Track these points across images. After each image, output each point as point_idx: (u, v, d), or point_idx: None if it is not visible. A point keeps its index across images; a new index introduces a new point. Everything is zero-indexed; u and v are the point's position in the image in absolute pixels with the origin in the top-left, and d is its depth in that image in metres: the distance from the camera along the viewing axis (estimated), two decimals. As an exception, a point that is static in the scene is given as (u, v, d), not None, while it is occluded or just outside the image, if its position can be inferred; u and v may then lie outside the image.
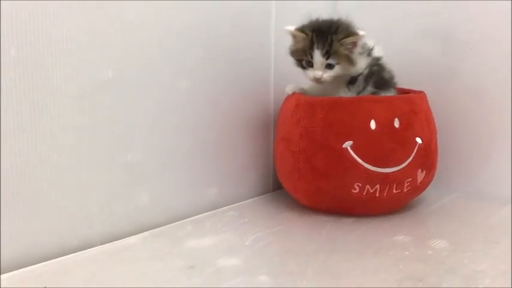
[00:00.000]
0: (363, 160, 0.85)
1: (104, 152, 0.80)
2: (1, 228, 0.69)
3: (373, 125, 0.85)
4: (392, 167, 0.86)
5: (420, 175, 0.89)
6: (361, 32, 0.88)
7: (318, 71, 0.89)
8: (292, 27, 0.91)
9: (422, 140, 0.89)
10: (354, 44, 0.88)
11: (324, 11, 0.93)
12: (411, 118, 0.88)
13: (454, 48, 1.03)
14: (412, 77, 1.01)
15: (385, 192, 0.86)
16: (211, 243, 0.79)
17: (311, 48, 0.88)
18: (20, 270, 0.69)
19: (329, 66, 0.88)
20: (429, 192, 0.97)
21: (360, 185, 0.86)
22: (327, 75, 0.88)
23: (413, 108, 0.89)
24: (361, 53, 0.90)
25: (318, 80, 0.90)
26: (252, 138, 1.03)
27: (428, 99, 0.95)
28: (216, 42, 0.94)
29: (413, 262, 0.72)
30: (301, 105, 0.90)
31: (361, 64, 0.90)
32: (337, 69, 0.88)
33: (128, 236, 0.81)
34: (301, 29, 0.90)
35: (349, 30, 0.89)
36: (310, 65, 0.90)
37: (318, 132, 0.87)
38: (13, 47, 0.69)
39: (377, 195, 0.86)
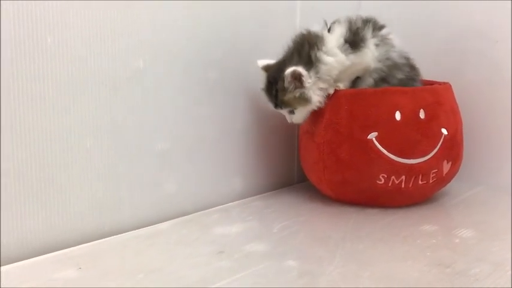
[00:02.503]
0: (388, 151, 0.86)
1: (134, 139, 0.82)
2: (38, 212, 0.72)
3: (398, 116, 0.85)
4: (418, 158, 0.86)
5: (446, 166, 0.89)
6: (287, 71, 0.83)
7: (286, 116, 0.90)
8: (262, 63, 0.90)
9: (448, 131, 0.89)
10: (297, 80, 0.83)
11: (348, 12, 0.93)
12: (436, 109, 0.88)
13: (480, 42, 1.03)
14: (438, 69, 1.01)
15: (411, 183, 0.87)
16: (239, 230, 0.81)
17: (267, 96, 0.90)
18: (55, 252, 0.71)
19: (290, 112, 0.88)
20: (454, 184, 0.97)
21: (385, 176, 0.86)
22: (295, 118, 0.89)
23: (438, 99, 0.89)
24: (376, 45, 0.87)
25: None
26: (277, 130, 1.04)
27: (454, 91, 0.95)
28: (243, 35, 0.96)
29: (440, 250, 0.72)
30: (328, 95, 0.89)
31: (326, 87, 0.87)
32: (299, 113, 0.88)
33: (157, 223, 0.83)
34: (266, 69, 0.90)
35: (284, 72, 0.84)
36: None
37: (342, 123, 0.87)
38: (49, 36, 0.71)
39: (402, 186, 0.87)
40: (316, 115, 0.90)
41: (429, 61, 0.96)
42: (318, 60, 0.85)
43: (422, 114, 0.87)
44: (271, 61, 0.89)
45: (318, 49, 0.85)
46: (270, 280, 0.63)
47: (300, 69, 0.83)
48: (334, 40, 0.86)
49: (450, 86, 0.94)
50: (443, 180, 0.91)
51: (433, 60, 1.04)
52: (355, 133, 0.86)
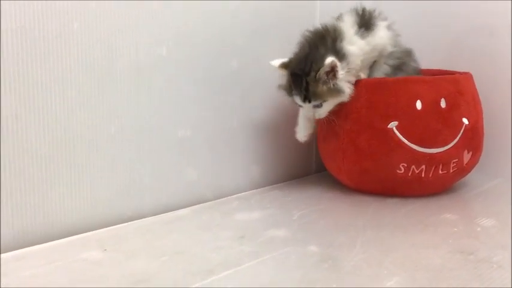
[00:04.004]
0: (408, 140, 0.86)
1: (156, 126, 0.83)
2: (64, 196, 0.73)
3: (419, 105, 0.85)
4: (439, 147, 0.86)
5: (466, 156, 0.89)
6: (327, 60, 0.81)
7: (307, 113, 0.87)
8: (277, 62, 0.87)
9: (468, 121, 0.88)
10: (332, 72, 0.82)
11: (367, 4, 0.92)
12: (457, 99, 0.88)
13: (503, 34, 1.02)
14: (459, 60, 1.00)
15: (431, 173, 0.87)
16: (259, 216, 0.81)
17: (291, 93, 0.86)
18: (81, 235, 0.73)
19: (316, 106, 0.85)
20: (474, 176, 0.96)
21: (406, 165, 0.86)
22: (319, 113, 0.86)
23: (459, 88, 0.89)
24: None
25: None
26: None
27: (476, 82, 0.94)
28: (264, 26, 0.96)
29: (462, 238, 0.72)
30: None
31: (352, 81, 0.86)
32: (327, 106, 0.85)
33: (177, 209, 0.84)
34: (285, 65, 0.86)
35: (320, 61, 0.82)
36: (300, 105, 0.87)
37: (362, 113, 0.87)
38: (76, 22, 0.72)
39: (422, 175, 0.87)
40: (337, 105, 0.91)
41: (448, 51, 0.96)
42: (345, 51, 0.84)
43: (443, 104, 0.86)
44: (284, 59, 0.87)
45: (342, 40, 0.85)
46: (293, 264, 0.64)
47: (336, 60, 0.82)
48: (350, 28, 0.86)
49: (471, 75, 0.94)
50: (464, 170, 0.91)
51: (451, 50, 1.03)
52: (375, 122, 0.87)
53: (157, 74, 0.82)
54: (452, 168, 0.88)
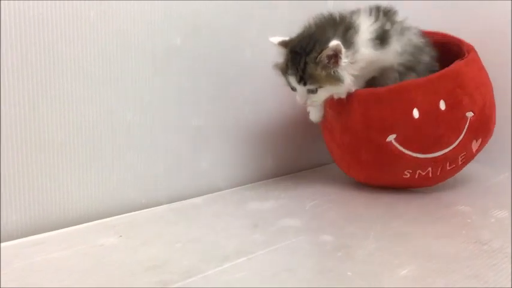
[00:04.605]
0: (409, 150, 0.81)
1: (172, 115, 0.83)
2: (80, 183, 0.74)
3: (416, 113, 0.80)
4: (443, 149, 0.82)
5: (475, 145, 0.86)
6: (332, 43, 0.75)
7: (300, 97, 0.81)
8: (277, 39, 0.81)
9: (474, 112, 0.83)
10: (335, 57, 0.76)
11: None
12: (458, 95, 0.81)
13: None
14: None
15: (439, 171, 0.84)
16: (272, 206, 0.82)
17: (286, 72, 0.80)
18: (96, 221, 0.73)
19: (311, 91, 0.79)
20: (486, 169, 0.96)
21: (411, 171, 0.84)
22: (311, 100, 0.81)
23: (459, 82, 0.82)
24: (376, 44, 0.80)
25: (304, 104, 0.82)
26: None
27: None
28: (276, 16, 0.96)
29: (476, 228, 0.72)
30: (339, 98, 0.83)
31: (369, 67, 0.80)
32: (322, 93, 0.79)
33: (191, 198, 0.85)
34: (285, 43, 0.81)
35: (324, 43, 0.76)
36: (294, 87, 0.81)
37: (358, 128, 0.83)
38: (92, 11, 0.73)
39: (430, 175, 0.84)
40: (333, 115, 0.86)
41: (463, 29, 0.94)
42: (355, 42, 0.79)
43: (442, 105, 0.80)
44: (285, 38, 0.82)
45: (355, 33, 0.79)
46: (306, 252, 0.64)
47: (341, 45, 0.76)
48: (367, 31, 0.80)
49: (474, 52, 0.87)
50: (473, 156, 0.88)
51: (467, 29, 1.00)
52: (372, 137, 0.82)
53: (172, 63, 0.82)
54: (461, 161, 0.86)
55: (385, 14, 0.83)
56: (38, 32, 0.68)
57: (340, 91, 0.80)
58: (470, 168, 0.91)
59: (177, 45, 0.82)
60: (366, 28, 0.81)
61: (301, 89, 0.79)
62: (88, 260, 0.61)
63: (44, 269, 0.58)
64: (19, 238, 0.67)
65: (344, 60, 0.77)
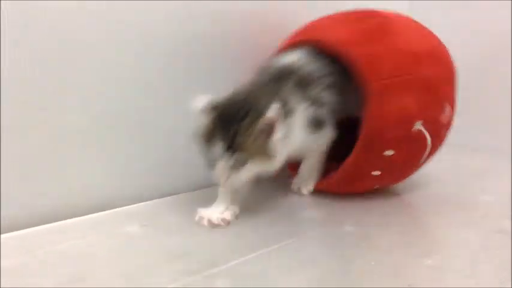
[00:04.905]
0: None
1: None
2: (101, 170, 0.75)
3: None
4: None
5: (444, 117, 0.76)
6: (270, 112, 0.63)
7: (221, 170, 0.66)
8: (202, 102, 0.67)
9: (423, 123, 0.72)
10: (270, 128, 0.65)
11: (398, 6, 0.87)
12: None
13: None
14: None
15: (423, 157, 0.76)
16: (293, 200, 0.81)
17: (210, 139, 0.66)
18: (117, 209, 0.74)
19: (236, 166, 0.66)
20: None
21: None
22: (236, 176, 0.66)
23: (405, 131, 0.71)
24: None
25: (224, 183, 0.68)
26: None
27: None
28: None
29: (500, 218, 0.71)
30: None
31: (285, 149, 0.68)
32: (249, 168, 0.66)
33: (208, 187, 0.84)
34: (212, 107, 0.67)
35: (260, 111, 0.64)
36: (214, 162, 0.67)
37: None
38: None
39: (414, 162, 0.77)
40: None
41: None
42: (295, 111, 0.69)
43: (389, 152, 0.72)
44: (210, 99, 0.67)
45: (291, 113, 0.69)
46: (330, 242, 0.65)
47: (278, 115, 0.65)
48: (302, 114, 0.71)
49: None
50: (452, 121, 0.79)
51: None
52: None
53: (193, 51, 0.82)
54: (445, 135, 0.78)
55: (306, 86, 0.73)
56: (61, 25, 0.68)
57: (269, 168, 0.68)
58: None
59: (203, 32, 0.82)
60: (301, 110, 0.71)
61: (225, 161, 0.65)
62: (113, 246, 0.62)
63: (70, 256, 0.59)
64: (44, 224, 0.68)
65: (279, 134, 0.66)
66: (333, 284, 0.54)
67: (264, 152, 0.65)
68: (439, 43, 0.79)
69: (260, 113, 0.64)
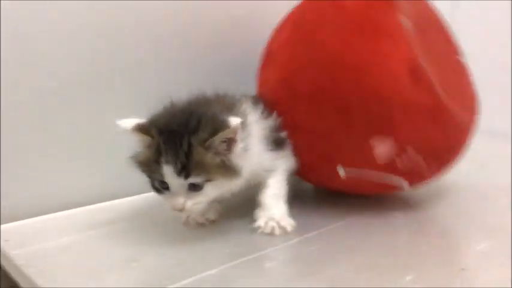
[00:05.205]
0: None
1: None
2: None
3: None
4: None
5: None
6: (233, 120, 0.54)
7: (176, 198, 0.55)
8: (130, 122, 0.56)
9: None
10: (230, 140, 0.55)
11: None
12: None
13: None
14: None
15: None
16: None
17: (156, 161, 0.55)
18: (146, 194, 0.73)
19: (194, 188, 0.55)
20: None
21: None
22: (194, 203, 0.56)
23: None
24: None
25: (182, 211, 0.57)
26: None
27: None
28: None
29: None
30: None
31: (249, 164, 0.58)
32: (211, 190, 0.56)
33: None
34: (145, 127, 0.56)
35: (219, 120, 0.55)
36: (165, 186, 0.56)
37: None
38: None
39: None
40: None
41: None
42: (248, 121, 0.60)
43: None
44: (139, 119, 0.56)
45: (245, 116, 0.60)
46: (378, 228, 0.64)
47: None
48: (258, 124, 0.62)
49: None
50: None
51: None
52: None
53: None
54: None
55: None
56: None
57: (233, 187, 0.59)
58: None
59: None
60: (253, 120, 0.62)
61: (180, 184, 0.55)
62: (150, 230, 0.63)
63: (112, 237, 0.61)
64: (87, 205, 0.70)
65: (240, 146, 0.57)
66: (384, 267, 0.54)
67: (225, 168, 0.55)
68: None
69: (222, 123, 0.54)
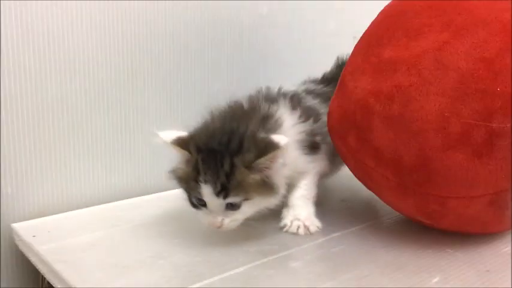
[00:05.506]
0: None
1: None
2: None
3: None
4: None
5: None
6: (282, 140, 0.54)
7: (214, 217, 0.56)
8: (170, 135, 0.56)
9: None
10: (275, 158, 0.55)
11: None
12: None
13: None
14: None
15: None
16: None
17: (195, 179, 0.55)
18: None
19: (231, 207, 0.55)
20: None
21: None
22: (230, 220, 0.56)
23: None
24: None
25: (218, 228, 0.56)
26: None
27: None
28: None
29: None
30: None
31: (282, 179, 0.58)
32: (247, 209, 0.56)
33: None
34: (184, 141, 0.56)
35: (264, 141, 0.55)
36: (202, 203, 0.56)
37: None
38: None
39: None
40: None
41: None
42: (286, 129, 0.59)
43: None
44: (180, 132, 0.57)
45: (280, 127, 0.59)
46: (403, 228, 0.64)
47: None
48: (292, 129, 0.61)
49: None
50: None
51: None
52: None
53: (258, 33, 0.82)
54: None
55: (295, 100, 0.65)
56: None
57: (271, 204, 0.58)
58: None
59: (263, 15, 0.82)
60: (290, 125, 0.61)
61: (218, 203, 0.55)
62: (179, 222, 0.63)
63: (138, 234, 0.61)
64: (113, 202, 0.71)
65: (280, 160, 0.56)
66: (410, 268, 0.54)
67: (264, 187, 0.55)
68: None
69: (268, 144, 0.54)
